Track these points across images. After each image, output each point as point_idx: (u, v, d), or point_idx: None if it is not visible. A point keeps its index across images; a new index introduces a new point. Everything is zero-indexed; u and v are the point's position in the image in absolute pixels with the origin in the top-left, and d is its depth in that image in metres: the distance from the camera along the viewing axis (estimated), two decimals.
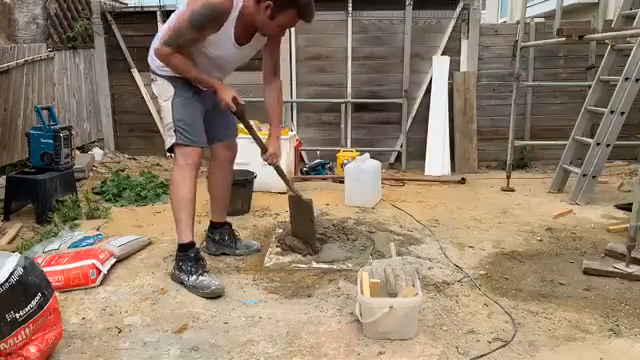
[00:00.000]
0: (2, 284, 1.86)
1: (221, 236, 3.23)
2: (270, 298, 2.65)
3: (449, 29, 5.94)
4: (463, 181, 5.30)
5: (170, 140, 2.77)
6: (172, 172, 2.82)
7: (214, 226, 3.26)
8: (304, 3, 2.50)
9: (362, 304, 2.27)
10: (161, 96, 2.80)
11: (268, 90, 2.99)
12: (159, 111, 2.88)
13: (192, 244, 2.79)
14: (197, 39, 2.58)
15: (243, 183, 4.13)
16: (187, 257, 2.75)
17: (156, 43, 2.68)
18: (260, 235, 3.63)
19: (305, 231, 3.24)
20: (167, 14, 6.06)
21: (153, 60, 2.77)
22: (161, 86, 2.79)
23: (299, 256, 3.15)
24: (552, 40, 4.86)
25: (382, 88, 6.07)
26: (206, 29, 2.54)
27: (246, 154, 3.56)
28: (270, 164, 3.01)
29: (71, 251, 2.96)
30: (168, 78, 2.74)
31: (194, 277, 2.69)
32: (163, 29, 2.74)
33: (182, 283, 2.73)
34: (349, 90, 6.06)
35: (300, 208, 3.23)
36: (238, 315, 2.47)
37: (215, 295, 2.63)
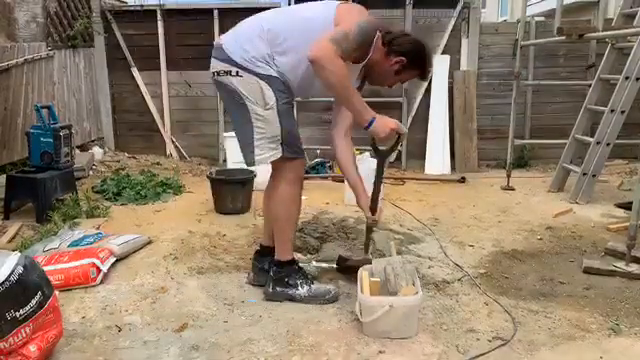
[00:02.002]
0: (2, 283, 1.85)
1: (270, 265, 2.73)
2: None
3: (449, 28, 5.95)
4: (463, 180, 5.30)
5: (273, 153, 2.43)
6: (280, 186, 2.51)
7: (265, 253, 2.77)
8: (430, 65, 2.48)
9: (362, 303, 2.27)
10: (255, 100, 2.38)
11: (345, 143, 2.71)
12: (240, 114, 2.45)
13: (294, 259, 2.66)
14: (352, 56, 2.30)
15: (243, 182, 4.13)
16: (292, 270, 2.59)
17: (319, 41, 2.20)
18: (260, 234, 3.62)
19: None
20: (167, 13, 6.08)
21: (245, 52, 2.36)
22: (254, 88, 2.37)
23: (299, 255, 3.14)
24: (552, 39, 4.85)
25: (382, 87, 6.05)
26: (362, 47, 2.32)
27: None
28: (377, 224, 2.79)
29: (71, 250, 2.96)
30: (265, 78, 2.36)
31: (306, 287, 2.57)
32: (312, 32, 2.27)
33: (292, 299, 2.56)
34: None
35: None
36: (238, 314, 2.47)
37: (336, 299, 2.57)
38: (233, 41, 2.42)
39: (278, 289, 2.58)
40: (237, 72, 2.37)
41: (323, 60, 2.18)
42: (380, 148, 2.63)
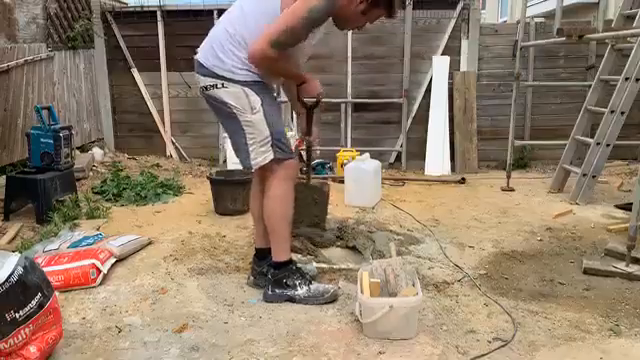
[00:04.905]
0: (2, 284, 1.86)
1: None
2: None
3: (449, 29, 5.94)
4: (463, 181, 5.30)
5: (265, 156, 2.46)
6: (273, 186, 2.52)
7: (262, 255, 2.77)
8: (397, 0, 2.45)
9: (362, 304, 2.27)
10: (243, 108, 2.42)
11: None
12: (237, 124, 2.48)
13: (291, 260, 2.66)
14: (306, 36, 2.36)
15: (243, 183, 4.13)
16: (291, 271, 2.59)
17: (258, 43, 2.29)
18: None
19: (313, 217, 3.32)
20: (167, 14, 6.08)
21: (223, 63, 2.40)
22: (240, 96, 2.41)
23: (299, 256, 3.14)
24: (552, 40, 4.86)
25: (382, 88, 6.07)
26: (319, 23, 2.37)
27: None
28: (312, 146, 2.94)
29: (71, 251, 2.96)
30: (248, 84, 2.42)
31: (305, 288, 2.57)
32: (253, 27, 2.34)
33: (291, 300, 2.56)
34: (349, 90, 6.06)
35: (312, 195, 3.31)
36: (238, 315, 2.47)
37: (336, 298, 2.58)
38: (209, 54, 2.44)
39: (277, 291, 2.59)
40: (222, 84, 2.42)
41: (259, 63, 2.36)
42: (306, 101, 2.75)
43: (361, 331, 2.28)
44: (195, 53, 2.54)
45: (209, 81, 2.45)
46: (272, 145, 2.46)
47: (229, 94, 2.42)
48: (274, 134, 2.46)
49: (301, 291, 2.56)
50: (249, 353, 2.15)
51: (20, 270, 1.92)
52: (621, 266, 2.90)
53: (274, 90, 2.61)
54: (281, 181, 2.52)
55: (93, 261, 2.79)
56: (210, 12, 5.94)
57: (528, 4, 5.57)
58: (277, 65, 2.40)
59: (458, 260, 3.16)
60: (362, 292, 2.30)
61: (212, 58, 2.43)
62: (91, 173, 5.41)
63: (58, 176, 4.01)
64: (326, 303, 2.55)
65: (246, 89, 2.41)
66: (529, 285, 2.82)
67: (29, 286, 1.95)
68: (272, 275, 2.61)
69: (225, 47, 2.40)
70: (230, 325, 2.38)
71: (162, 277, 2.90)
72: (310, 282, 2.62)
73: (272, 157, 2.47)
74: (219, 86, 2.43)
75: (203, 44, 2.52)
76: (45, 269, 2.42)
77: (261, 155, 2.47)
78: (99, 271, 2.79)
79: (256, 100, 2.42)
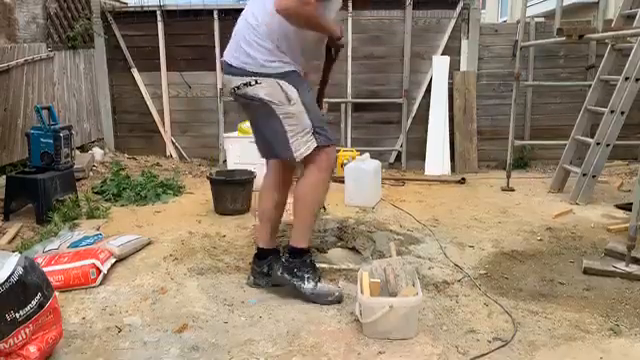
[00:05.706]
0: (2, 284, 1.86)
1: (270, 266, 2.70)
2: (270, 297, 2.65)
3: (449, 29, 5.95)
4: (463, 181, 5.30)
5: (308, 145, 2.43)
6: (310, 173, 2.50)
7: (263, 256, 2.74)
8: None
9: (362, 304, 2.27)
10: (280, 101, 2.39)
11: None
12: (281, 120, 2.44)
13: (309, 250, 2.64)
14: None
15: (243, 182, 4.14)
16: (304, 263, 2.57)
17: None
18: None
19: None
20: (167, 14, 6.08)
21: (253, 58, 2.38)
22: (275, 89, 2.39)
23: None
24: (552, 40, 4.87)
25: (382, 88, 6.07)
26: None
27: (247, 154, 3.56)
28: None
29: (71, 251, 2.96)
30: (281, 76, 2.39)
31: (312, 284, 2.54)
32: None
33: (295, 290, 2.56)
34: (349, 90, 6.06)
35: None
36: (238, 314, 2.47)
37: (339, 300, 2.56)
38: (237, 52, 2.43)
39: (286, 276, 2.59)
40: (256, 80, 2.40)
41: (297, 10, 2.26)
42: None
43: (361, 331, 2.28)
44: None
45: (240, 80, 2.42)
46: (314, 133, 2.44)
47: (264, 89, 2.39)
48: (314, 121, 2.44)
49: (308, 285, 2.55)
50: (249, 353, 2.15)
51: (20, 270, 1.92)
52: (621, 266, 2.90)
53: (306, 79, 2.58)
54: (319, 170, 2.50)
55: (93, 261, 2.79)
56: (210, 12, 5.94)
57: (528, 4, 5.57)
58: (307, 9, 2.27)
59: (458, 260, 3.16)
60: (362, 292, 2.30)
61: (240, 55, 2.41)
62: (91, 173, 5.41)
63: (58, 176, 4.01)
64: (329, 304, 2.54)
65: (280, 81, 2.39)
66: (529, 285, 2.82)
67: (29, 286, 1.95)
68: (286, 261, 2.61)
69: (250, 40, 2.38)
70: (230, 325, 2.38)
71: (162, 277, 2.90)
72: (319, 280, 2.61)
73: (315, 145, 2.44)
74: (253, 83, 2.40)
75: (229, 44, 2.50)
76: (45, 269, 2.42)
77: (304, 145, 2.44)
78: (99, 271, 2.79)
79: (292, 91, 2.40)
